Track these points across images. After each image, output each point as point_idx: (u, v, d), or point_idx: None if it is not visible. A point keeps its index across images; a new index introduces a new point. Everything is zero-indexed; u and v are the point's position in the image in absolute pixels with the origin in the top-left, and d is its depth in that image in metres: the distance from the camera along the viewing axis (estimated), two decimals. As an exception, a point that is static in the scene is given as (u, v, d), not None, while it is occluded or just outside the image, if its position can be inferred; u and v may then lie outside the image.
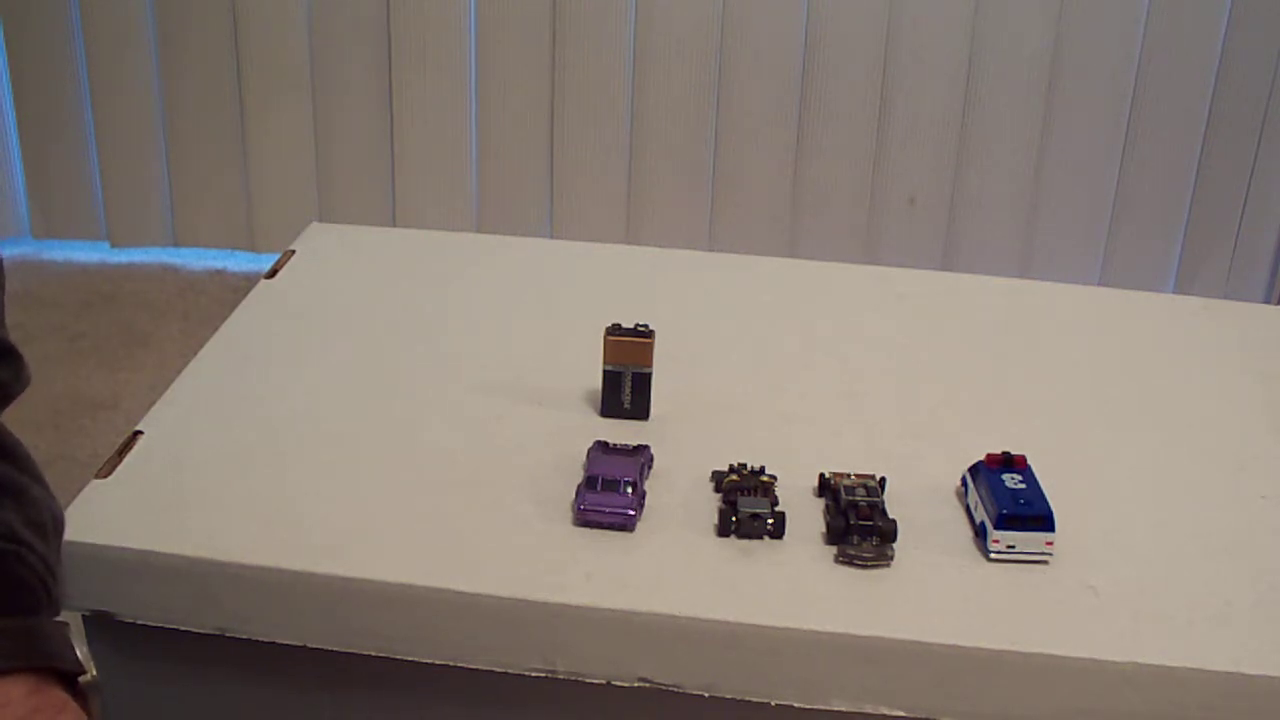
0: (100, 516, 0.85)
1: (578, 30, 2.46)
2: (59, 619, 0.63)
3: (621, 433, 0.96)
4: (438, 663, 0.82)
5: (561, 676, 0.81)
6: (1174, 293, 2.60)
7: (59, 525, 0.67)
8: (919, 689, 0.79)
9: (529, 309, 1.15)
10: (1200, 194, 2.53)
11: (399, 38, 2.49)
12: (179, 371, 1.03)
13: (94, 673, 0.62)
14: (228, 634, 0.84)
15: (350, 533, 0.85)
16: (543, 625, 0.80)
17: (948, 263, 2.58)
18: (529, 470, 0.92)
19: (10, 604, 0.61)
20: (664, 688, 0.81)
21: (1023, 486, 0.87)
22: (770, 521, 0.86)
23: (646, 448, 0.92)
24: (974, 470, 0.90)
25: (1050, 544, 0.85)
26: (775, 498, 0.88)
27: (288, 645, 0.83)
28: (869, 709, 0.80)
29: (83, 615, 0.84)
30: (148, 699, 0.89)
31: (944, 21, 2.41)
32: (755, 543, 0.86)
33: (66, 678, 0.61)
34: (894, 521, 0.86)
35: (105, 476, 0.90)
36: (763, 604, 0.80)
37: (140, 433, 0.95)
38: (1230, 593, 0.83)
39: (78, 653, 0.62)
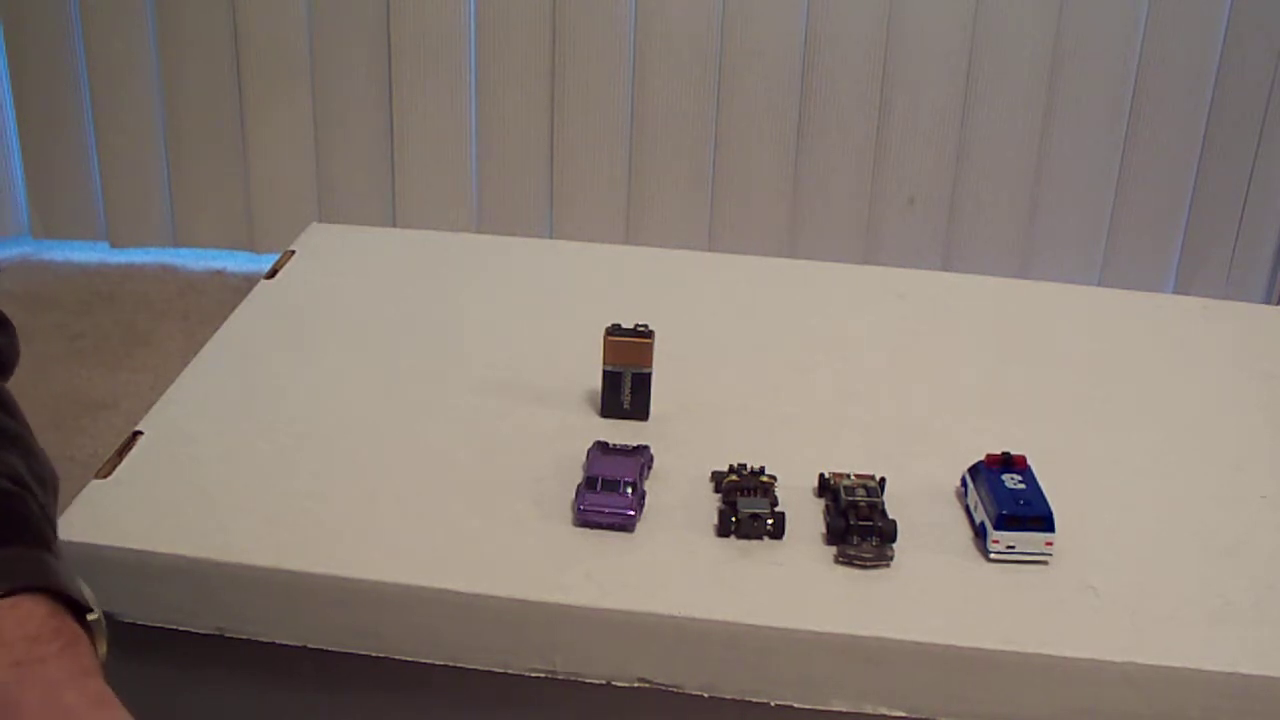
0: (100, 516, 0.85)
1: (578, 30, 2.46)
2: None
3: (621, 433, 0.96)
4: (438, 663, 0.82)
5: (561, 676, 0.81)
6: (1174, 293, 2.60)
7: (55, 485, 0.69)
8: (919, 689, 0.79)
9: (529, 309, 1.15)
10: (1200, 194, 2.53)
11: (399, 37, 2.49)
12: (179, 371, 1.03)
13: (98, 611, 0.63)
14: (227, 634, 0.84)
15: (350, 533, 0.85)
16: (543, 625, 0.80)
17: (948, 263, 2.58)
18: (529, 470, 0.92)
19: (23, 538, 0.62)
20: (664, 688, 0.81)
21: (1023, 487, 0.87)
22: (770, 521, 0.86)
23: (646, 448, 0.92)
24: (974, 470, 0.90)
25: (1050, 544, 0.85)
26: (775, 498, 0.88)
27: (288, 645, 0.83)
28: (869, 709, 0.80)
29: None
30: (147, 699, 0.89)
31: (944, 22, 2.41)
32: (755, 543, 0.86)
33: (77, 614, 0.62)
34: (894, 521, 0.86)
35: (105, 476, 0.90)
36: (762, 604, 0.80)
37: (140, 433, 0.95)
38: (1230, 593, 0.83)
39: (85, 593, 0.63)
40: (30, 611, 0.59)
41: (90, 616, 0.62)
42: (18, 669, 0.57)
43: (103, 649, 0.63)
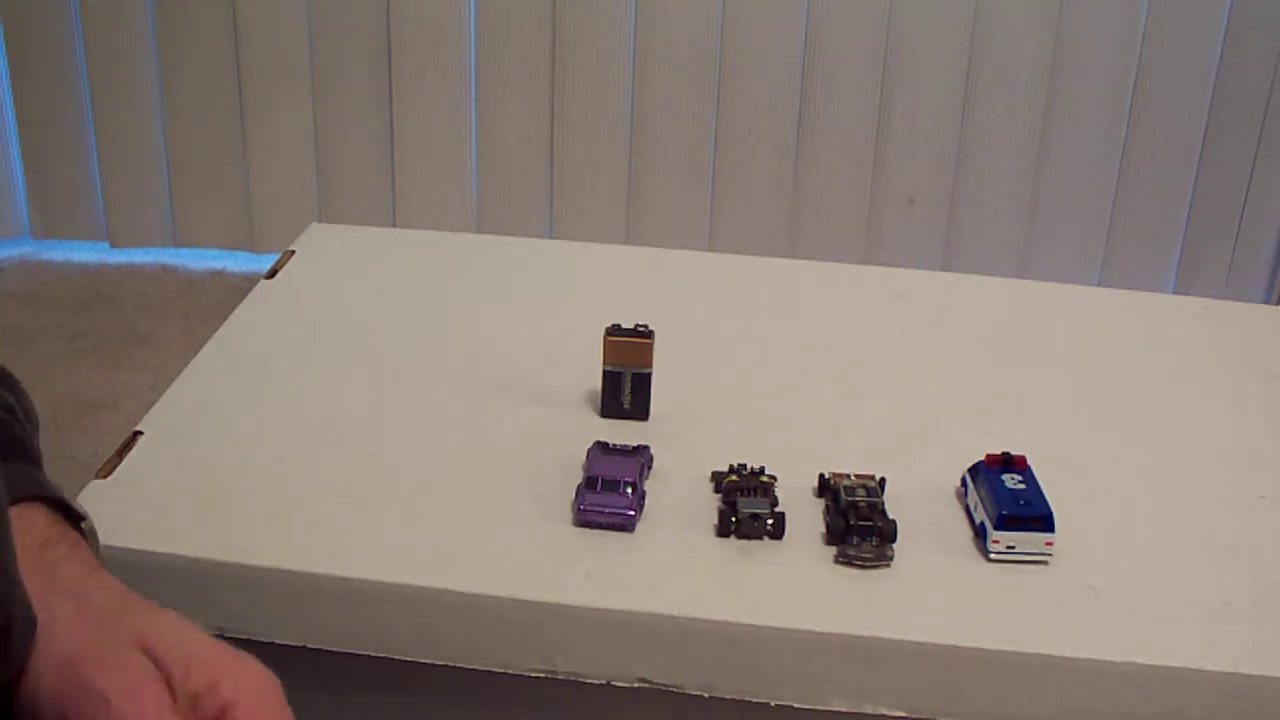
0: (100, 516, 0.85)
1: (578, 30, 2.46)
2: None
3: (621, 433, 0.96)
4: (438, 663, 0.82)
5: (561, 676, 0.81)
6: (1174, 293, 2.60)
7: (37, 421, 0.74)
8: (919, 689, 0.79)
9: (529, 309, 1.15)
10: (1200, 194, 2.53)
11: (399, 37, 2.49)
12: (179, 371, 1.03)
13: (91, 519, 0.67)
14: (227, 634, 0.84)
15: (350, 533, 0.85)
16: (543, 625, 0.80)
17: (948, 263, 2.58)
18: (529, 470, 0.92)
19: (20, 455, 0.67)
20: (664, 688, 0.81)
21: (1023, 487, 0.87)
22: (770, 521, 0.86)
23: (646, 448, 0.92)
24: (974, 470, 0.90)
25: (1050, 544, 0.85)
26: (775, 498, 0.88)
27: (288, 645, 0.83)
28: (868, 709, 0.80)
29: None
30: (148, 699, 0.89)
31: (944, 21, 2.41)
32: (755, 543, 0.86)
33: (73, 523, 0.66)
34: (894, 521, 0.86)
35: (105, 476, 0.90)
36: (762, 604, 0.80)
37: (140, 433, 0.95)
38: (1230, 593, 0.83)
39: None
40: (34, 519, 0.63)
41: (84, 524, 0.66)
42: (35, 573, 0.60)
43: (98, 554, 0.66)
